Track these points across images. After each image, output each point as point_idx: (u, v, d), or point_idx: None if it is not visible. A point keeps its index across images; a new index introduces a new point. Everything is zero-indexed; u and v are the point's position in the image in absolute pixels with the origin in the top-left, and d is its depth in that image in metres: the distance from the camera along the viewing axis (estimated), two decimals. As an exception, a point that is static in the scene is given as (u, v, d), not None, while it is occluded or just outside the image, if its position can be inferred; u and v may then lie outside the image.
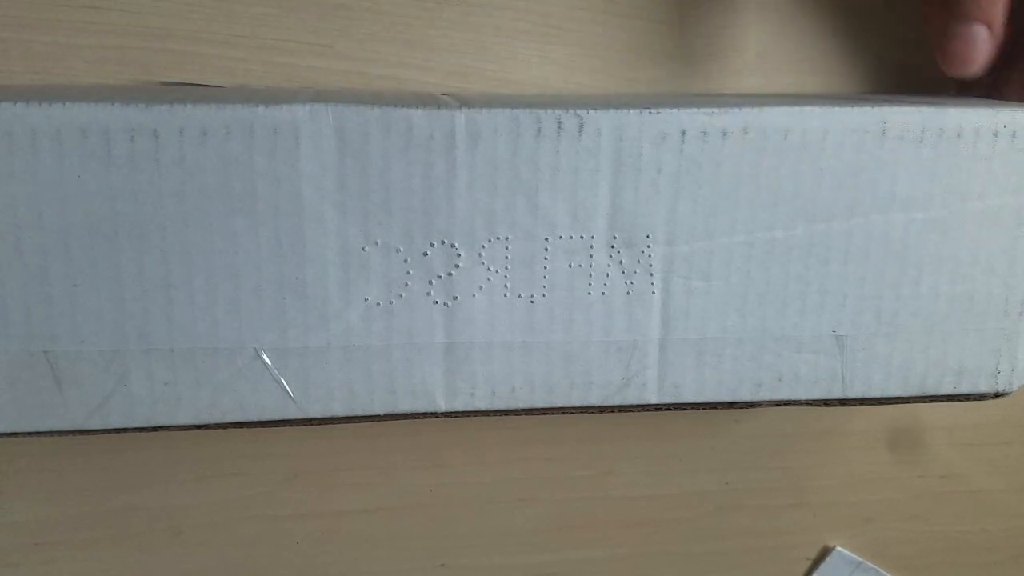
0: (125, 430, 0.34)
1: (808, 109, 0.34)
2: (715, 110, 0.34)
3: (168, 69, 0.39)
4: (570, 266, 0.35)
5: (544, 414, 0.36)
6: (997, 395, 0.38)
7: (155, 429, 0.34)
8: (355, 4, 0.40)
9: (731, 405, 0.37)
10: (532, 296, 0.35)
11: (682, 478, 0.50)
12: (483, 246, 0.34)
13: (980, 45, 0.34)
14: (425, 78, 0.42)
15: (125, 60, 0.39)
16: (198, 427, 0.34)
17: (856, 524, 0.52)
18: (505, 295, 0.35)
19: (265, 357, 0.34)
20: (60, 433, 0.33)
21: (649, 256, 0.35)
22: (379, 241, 0.33)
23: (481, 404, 0.36)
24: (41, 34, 0.38)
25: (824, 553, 0.53)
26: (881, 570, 0.53)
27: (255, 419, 0.34)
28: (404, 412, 0.35)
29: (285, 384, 0.34)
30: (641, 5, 0.43)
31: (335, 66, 0.41)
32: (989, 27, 0.33)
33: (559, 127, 0.33)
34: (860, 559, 0.53)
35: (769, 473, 0.51)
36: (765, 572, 0.53)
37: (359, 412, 0.35)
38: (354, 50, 0.41)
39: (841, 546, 0.52)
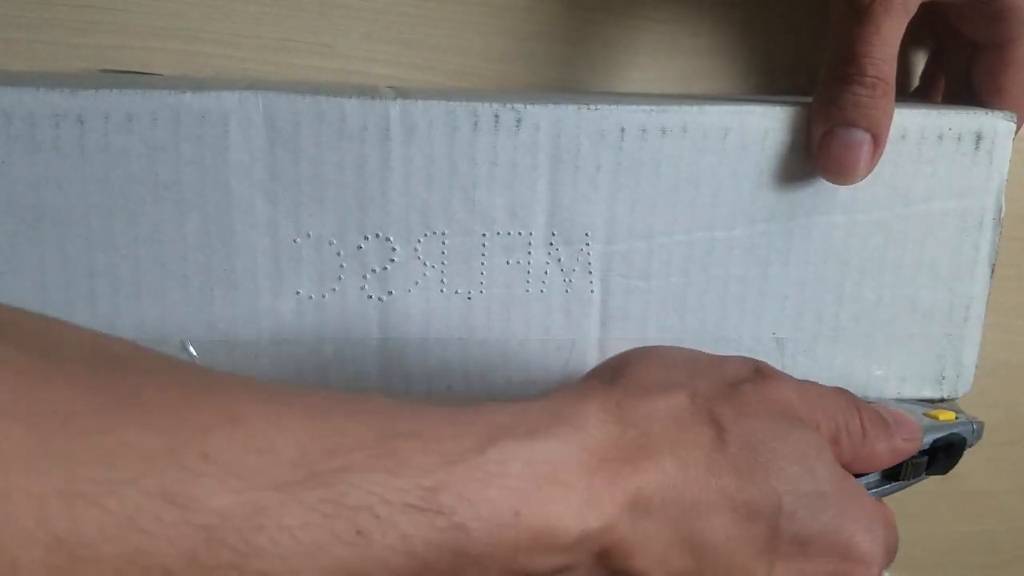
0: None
1: (748, 108, 0.34)
2: (653, 108, 0.33)
3: (168, 69, 0.39)
4: (508, 263, 0.34)
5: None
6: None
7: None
8: (354, 3, 0.40)
9: (670, 407, 0.37)
10: (469, 292, 0.34)
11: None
12: (419, 240, 0.33)
13: (863, 153, 0.33)
14: (425, 77, 0.41)
15: (125, 60, 0.39)
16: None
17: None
18: (441, 291, 0.34)
19: (192, 349, 0.33)
20: None
21: (588, 254, 0.34)
22: (311, 233, 0.33)
23: (416, 401, 0.35)
24: (42, 34, 0.38)
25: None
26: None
27: (180, 412, 0.34)
28: (336, 408, 0.35)
29: (212, 376, 0.33)
30: (640, 5, 0.42)
31: (335, 66, 0.40)
32: (874, 137, 0.33)
33: (496, 121, 0.32)
34: (862, 560, 0.52)
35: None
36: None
37: (289, 407, 0.34)
38: (354, 50, 0.41)
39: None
